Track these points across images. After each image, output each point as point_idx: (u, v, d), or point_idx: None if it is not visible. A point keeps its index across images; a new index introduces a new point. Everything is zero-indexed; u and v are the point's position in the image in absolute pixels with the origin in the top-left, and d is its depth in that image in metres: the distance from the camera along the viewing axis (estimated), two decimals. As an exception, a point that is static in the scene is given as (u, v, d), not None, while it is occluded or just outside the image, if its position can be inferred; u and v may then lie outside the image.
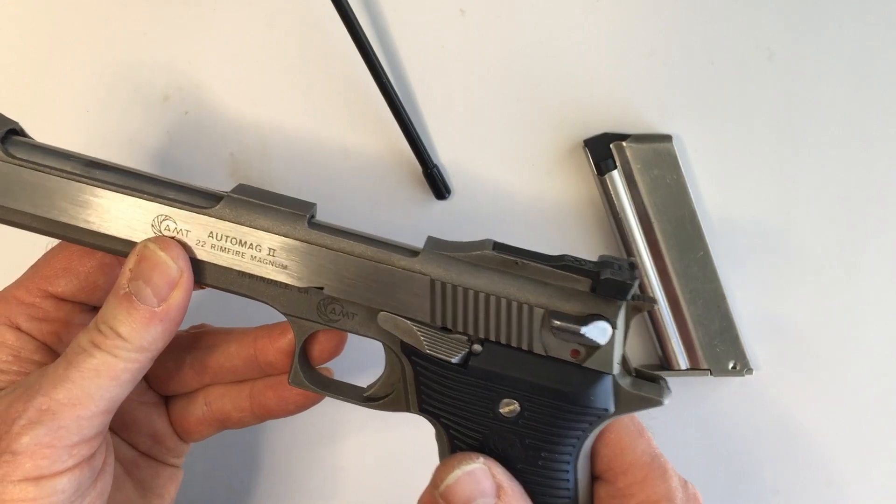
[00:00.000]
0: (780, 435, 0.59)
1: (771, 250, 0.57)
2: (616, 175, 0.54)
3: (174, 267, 0.40)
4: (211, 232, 0.41)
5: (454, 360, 0.41)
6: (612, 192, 0.54)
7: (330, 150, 0.57)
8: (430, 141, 0.56)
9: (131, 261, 0.40)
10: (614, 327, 0.40)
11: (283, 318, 0.44)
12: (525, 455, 0.42)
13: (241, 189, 0.43)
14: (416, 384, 0.43)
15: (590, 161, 0.55)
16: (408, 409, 0.44)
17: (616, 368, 0.41)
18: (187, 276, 0.41)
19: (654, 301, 0.41)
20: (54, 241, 0.44)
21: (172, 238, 0.41)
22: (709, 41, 0.55)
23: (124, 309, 0.40)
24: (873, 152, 0.56)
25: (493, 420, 0.41)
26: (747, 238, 0.57)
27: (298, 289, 0.42)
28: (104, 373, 0.39)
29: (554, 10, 0.55)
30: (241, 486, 0.62)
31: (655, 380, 0.43)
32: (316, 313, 0.43)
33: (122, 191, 0.41)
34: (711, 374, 0.56)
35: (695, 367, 0.56)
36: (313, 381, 0.45)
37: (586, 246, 0.57)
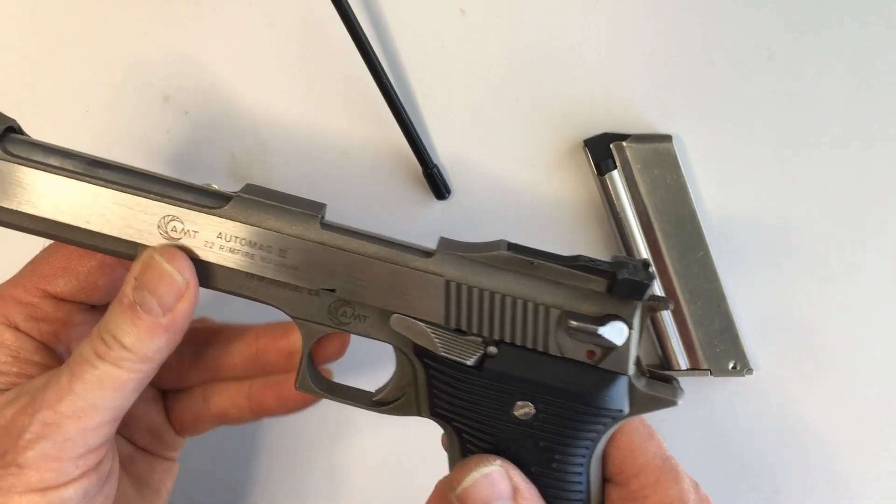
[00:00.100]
0: (780, 435, 0.59)
1: (771, 250, 0.57)
2: (616, 175, 0.54)
3: (180, 278, 0.40)
4: (220, 233, 0.40)
5: (469, 362, 0.41)
6: (612, 192, 0.54)
7: (330, 149, 0.57)
8: (430, 141, 0.56)
9: (136, 270, 0.39)
10: (631, 328, 0.40)
11: (286, 318, 0.43)
12: (539, 457, 0.41)
13: (251, 189, 0.41)
14: (429, 387, 0.42)
15: (590, 161, 0.55)
16: (418, 413, 0.43)
17: (631, 369, 0.41)
18: (193, 288, 0.40)
19: (669, 301, 0.41)
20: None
21: (178, 247, 0.40)
22: (709, 41, 0.55)
23: (128, 319, 0.39)
24: (873, 152, 0.56)
25: (507, 423, 0.41)
26: (747, 238, 0.57)
27: (309, 291, 0.41)
28: (108, 384, 0.39)
29: (554, 10, 0.55)
30: (240, 486, 0.62)
31: (668, 380, 0.42)
32: (327, 316, 0.42)
33: (127, 190, 0.40)
34: (711, 374, 0.56)
35: (695, 367, 0.56)
36: (321, 385, 0.44)
37: (586, 246, 0.57)
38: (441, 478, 0.45)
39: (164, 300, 0.39)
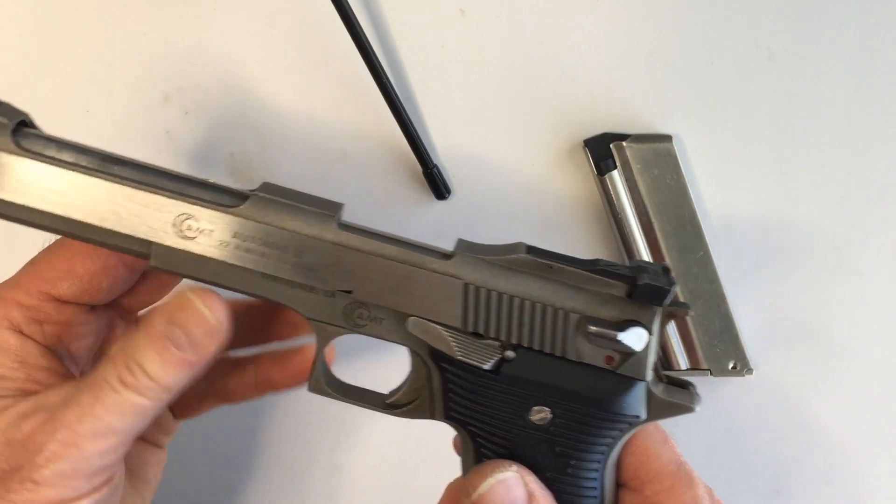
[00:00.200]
0: (779, 435, 0.59)
1: (771, 250, 0.57)
2: (616, 175, 0.54)
3: (214, 320, 0.40)
4: (235, 232, 0.39)
5: (486, 366, 0.40)
6: (612, 192, 0.54)
7: (330, 149, 0.57)
8: (430, 141, 0.56)
9: (171, 305, 0.39)
10: (651, 333, 0.39)
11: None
12: (555, 463, 0.41)
13: (267, 188, 0.41)
14: (444, 391, 0.41)
15: (590, 161, 0.55)
16: (432, 417, 0.42)
17: (649, 375, 0.40)
18: (225, 330, 0.40)
19: (688, 307, 0.41)
20: (51, 238, 0.43)
21: (213, 292, 0.40)
22: (709, 41, 0.55)
23: (157, 351, 0.39)
24: (873, 152, 0.56)
25: (523, 427, 0.40)
26: (747, 238, 0.57)
27: (325, 292, 0.40)
28: (129, 410, 0.39)
29: (554, 10, 0.55)
30: (240, 487, 0.62)
31: (685, 386, 0.42)
32: (342, 318, 0.41)
33: (142, 187, 0.39)
34: (711, 374, 0.56)
35: (695, 367, 0.56)
36: (334, 387, 0.43)
37: (586, 246, 0.57)
38: (451, 480, 0.45)
39: (195, 340, 0.39)
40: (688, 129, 0.55)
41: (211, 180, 0.40)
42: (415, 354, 0.42)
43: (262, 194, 0.40)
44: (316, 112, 0.56)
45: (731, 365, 0.56)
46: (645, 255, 0.55)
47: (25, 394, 0.41)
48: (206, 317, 0.39)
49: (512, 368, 0.40)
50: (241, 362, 0.48)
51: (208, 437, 0.59)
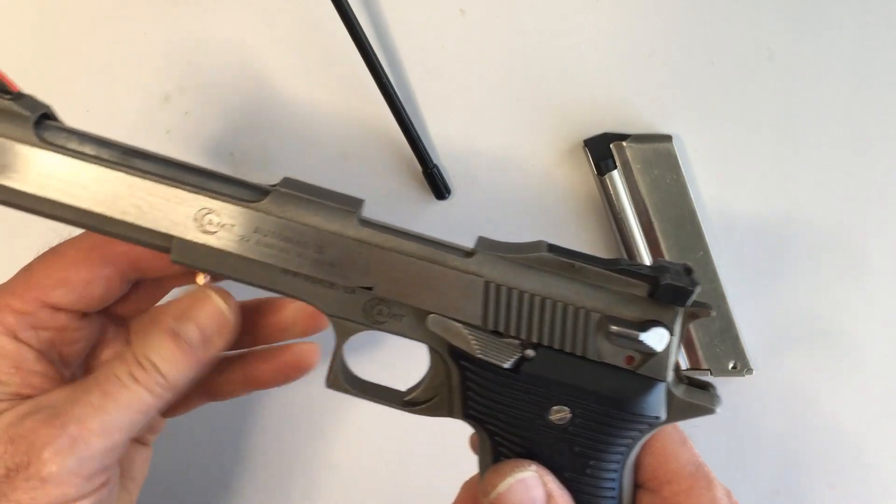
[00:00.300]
0: (779, 435, 0.59)
1: (771, 250, 0.57)
2: (616, 175, 0.54)
3: (228, 318, 0.41)
4: (256, 227, 0.39)
5: (506, 364, 0.40)
6: (612, 192, 0.54)
7: (330, 149, 0.57)
8: (430, 141, 0.56)
9: (185, 302, 0.41)
10: (672, 334, 0.39)
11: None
12: (573, 463, 0.40)
13: (288, 183, 0.40)
14: (463, 389, 0.41)
15: (590, 161, 0.55)
16: (450, 415, 0.42)
17: (670, 376, 0.40)
18: (235, 328, 0.42)
19: (711, 307, 0.40)
20: (49, 243, 0.43)
21: (225, 291, 0.42)
22: (709, 41, 0.55)
23: (169, 347, 0.40)
24: (873, 152, 0.56)
25: (542, 427, 0.40)
26: (747, 238, 0.57)
27: (345, 288, 0.40)
28: (136, 406, 0.40)
29: (554, 11, 0.55)
30: (239, 487, 0.62)
31: (706, 387, 0.42)
32: (361, 314, 0.41)
33: (163, 181, 0.39)
34: (711, 374, 0.56)
35: (695, 367, 0.56)
36: (352, 384, 0.43)
37: (586, 246, 0.57)
38: (467, 479, 0.45)
39: (207, 335, 0.41)
40: (688, 129, 0.55)
41: (233, 175, 0.40)
42: (434, 352, 0.42)
43: (282, 189, 0.40)
44: (316, 112, 0.56)
45: (731, 365, 0.56)
46: (645, 255, 0.55)
47: (21, 398, 0.41)
48: (222, 311, 0.41)
49: (532, 367, 0.40)
50: (228, 360, 0.48)
51: (206, 438, 0.59)
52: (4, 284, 0.43)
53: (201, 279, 0.43)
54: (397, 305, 0.41)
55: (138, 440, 0.48)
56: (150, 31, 0.56)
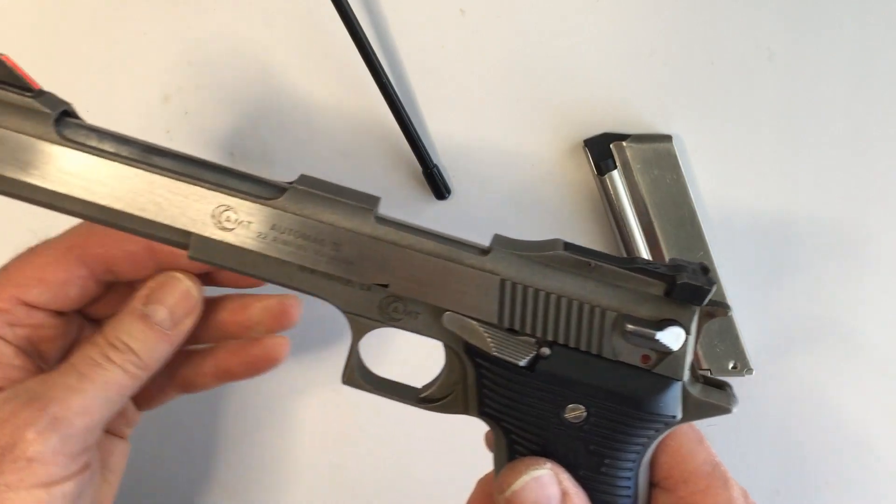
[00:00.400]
0: (779, 435, 0.59)
1: (771, 250, 0.57)
2: (616, 175, 0.54)
3: (194, 298, 0.44)
4: (273, 224, 0.40)
5: (521, 362, 0.40)
6: (612, 192, 0.54)
7: (329, 150, 0.57)
8: (430, 141, 0.56)
9: (151, 285, 0.43)
10: (688, 333, 0.39)
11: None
12: (588, 461, 0.40)
13: (305, 180, 0.41)
14: (478, 387, 0.41)
15: (590, 161, 0.55)
16: (466, 412, 0.42)
17: (686, 375, 0.40)
18: (200, 308, 0.44)
19: (728, 306, 0.40)
20: (29, 243, 0.44)
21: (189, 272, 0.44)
22: (709, 41, 0.55)
23: (140, 328, 0.42)
24: (874, 152, 0.56)
25: (557, 425, 0.40)
26: (747, 238, 0.57)
27: (361, 286, 0.40)
28: (113, 386, 0.42)
29: (554, 11, 0.55)
30: (238, 487, 0.62)
31: (722, 386, 0.42)
32: (377, 311, 0.41)
33: (182, 178, 0.39)
34: (711, 374, 0.56)
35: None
36: (368, 380, 0.43)
37: (586, 246, 0.57)
38: (482, 476, 0.45)
39: (175, 314, 0.43)
40: (688, 128, 0.55)
41: (251, 172, 0.41)
42: (449, 349, 0.42)
43: (299, 186, 0.40)
44: (315, 112, 0.56)
45: (731, 365, 0.56)
46: (645, 254, 0.55)
47: (0, 390, 0.42)
48: (189, 291, 0.43)
49: (547, 365, 0.40)
50: (199, 352, 0.49)
51: (204, 438, 0.59)
52: None
53: None
54: (413, 303, 0.41)
55: (115, 433, 0.49)
56: (150, 31, 0.56)
